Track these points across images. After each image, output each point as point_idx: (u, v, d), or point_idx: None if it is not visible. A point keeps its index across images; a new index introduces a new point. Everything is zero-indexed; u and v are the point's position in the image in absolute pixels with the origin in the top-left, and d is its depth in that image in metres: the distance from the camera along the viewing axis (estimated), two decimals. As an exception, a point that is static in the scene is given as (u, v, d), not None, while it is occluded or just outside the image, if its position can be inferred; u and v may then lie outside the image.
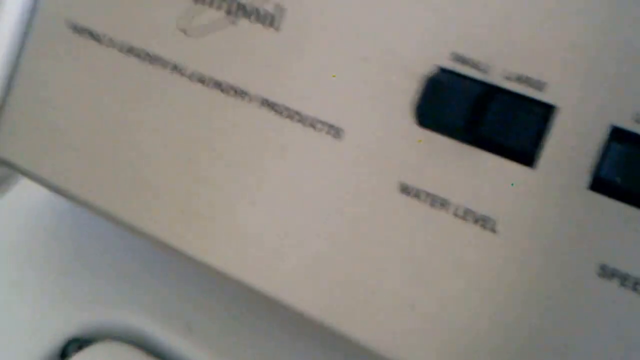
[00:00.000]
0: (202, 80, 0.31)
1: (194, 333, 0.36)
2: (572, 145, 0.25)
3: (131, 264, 0.38)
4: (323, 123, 0.29)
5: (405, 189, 0.28)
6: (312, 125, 0.29)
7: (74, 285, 0.38)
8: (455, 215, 0.27)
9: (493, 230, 0.26)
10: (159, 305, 0.37)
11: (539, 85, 0.26)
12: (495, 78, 0.26)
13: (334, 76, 0.29)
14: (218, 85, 0.31)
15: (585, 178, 0.25)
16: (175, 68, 0.32)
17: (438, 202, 0.27)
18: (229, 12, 0.31)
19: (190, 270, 0.36)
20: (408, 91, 0.28)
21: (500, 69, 0.26)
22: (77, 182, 0.34)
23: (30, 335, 0.37)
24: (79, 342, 0.37)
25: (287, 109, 0.30)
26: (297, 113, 0.30)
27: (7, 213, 0.41)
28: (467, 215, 0.27)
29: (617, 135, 0.25)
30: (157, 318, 0.36)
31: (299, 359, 0.34)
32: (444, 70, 0.27)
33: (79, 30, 0.34)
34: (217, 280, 0.31)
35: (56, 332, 0.37)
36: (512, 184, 0.26)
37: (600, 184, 0.25)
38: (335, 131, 0.29)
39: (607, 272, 0.25)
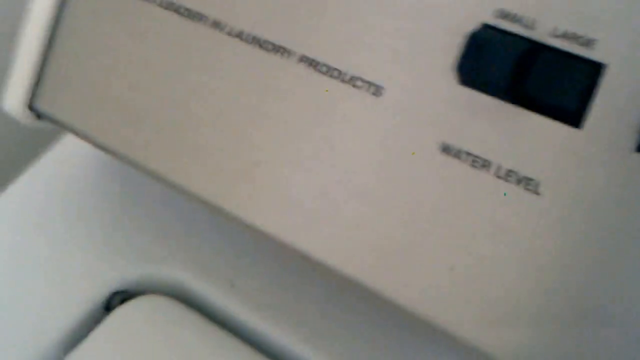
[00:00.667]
0: (241, 36, 0.31)
1: (237, 289, 0.36)
2: (620, 105, 0.24)
3: (176, 220, 0.38)
4: (363, 80, 0.29)
5: (446, 149, 0.27)
6: (352, 83, 0.29)
7: (119, 239, 0.39)
8: (497, 176, 0.26)
9: (536, 192, 0.26)
10: (202, 261, 0.37)
11: (587, 42, 0.25)
12: (542, 35, 0.25)
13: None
14: (258, 42, 0.31)
15: (634, 140, 0.24)
16: (215, 24, 0.32)
17: (480, 163, 0.26)
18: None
19: (234, 228, 0.36)
20: (450, 48, 0.27)
21: (547, 25, 0.25)
22: (121, 140, 0.34)
23: (76, 286, 0.38)
24: (123, 295, 0.37)
25: (327, 65, 0.29)
26: (337, 70, 0.29)
27: (55, 167, 0.42)
28: (510, 176, 0.26)
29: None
30: (200, 273, 0.37)
31: (339, 317, 0.34)
32: (487, 27, 0.26)
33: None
34: (260, 239, 0.31)
35: (101, 284, 0.38)
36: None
37: (647, 145, 0.24)
38: (375, 89, 0.28)
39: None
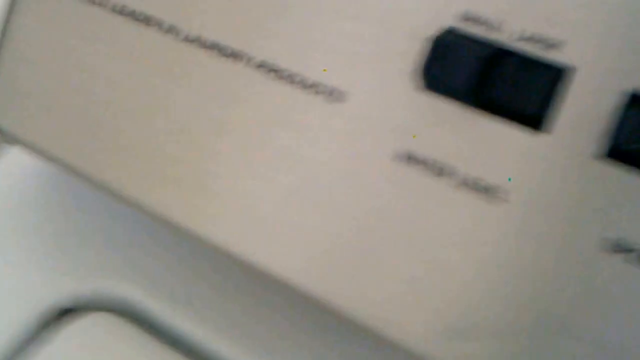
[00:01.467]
0: (201, 43, 0.30)
1: (187, 307, 0.35)
2: (587, 110, 0.24)
3: (124, 234, 0.37)
4: (324, 86, 0.28)
5: (407, 156, 0.26)
6: (314, 88, 0.28)
7: (64, 253, 0.37)
8: (460, 183, 0.25)
9: (500, 200, 0.25)
10: (151, 277, 0.35)
11: (553, 45, 0.24)
12: (508, 37, 0.25)
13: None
14: (216, 47, 0.30)
15: (601, 145, 0.23)
16: (171, 29, 0.31)
17: (444, 170, 0.26)
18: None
19: (185, 241, 0.35)
20: (413, 53, 0.26)
21: (514, 27, 0.25)
22: (71, 151, 0.32)
23: (18, 303, 0.36)
24: (70, 312, 0.36)
25: (288, 72, 0.28)
26: (297, 75, 0.28)
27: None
28: (476, 184, 0.25)
29: (637, 100, 0.23)
30: (148, 289, 0.35)
31: (295, 332, 0.33)
32: (450, 30, 0.25)
33: (72, -12, 0.33)
34: (212, 252, 0.30)
35: (47, 302, 0.36)
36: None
37: (615, 151, 0.23)
38: (338, 94, 0.27)
39: (621, 246, 0.23)
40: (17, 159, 0.40)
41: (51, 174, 0.39)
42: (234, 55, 0.29)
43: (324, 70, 0.28)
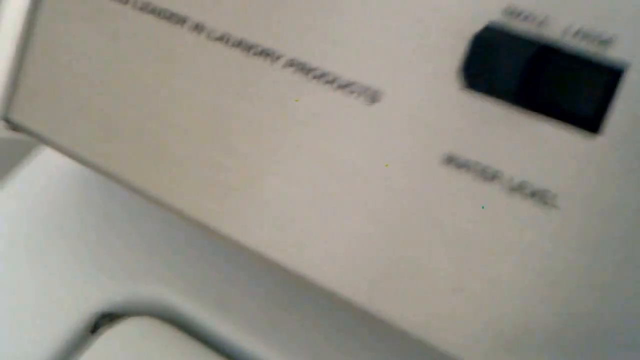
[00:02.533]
0: (223, 39, 0.29)
1: (227, 311, 0.34)
2: (642, 109, 0.22)
3: (162, 237, 0.36)
4: (359, 85, 0.26)
5: (451, 160, 0.25)
6: (348, 88, 0.26)
7: (104, 257, 0.36)
8: (509, 188, 0.24)
9: (551, 205, 0.23)
10: (190, 281, 0.35)
11: (604, 41, 0.22)
12: (554, 34, 0.23)
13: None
14: (240, 44, 0.28)
15: (658, 147, 0.22)
16: (196, 27, 0.29)
17: (489, 174, 0.24)
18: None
19: (223, 246, 0.34)
20: (455, 50, 0.25)
21: (560, 23, 0.23)
22: (99, 152, 0.31)
23: (61, 309, 0.36)
24: (110, 317, 0.35)
25: (318, 69, 0.27)
26: (330, 74, 0.27)
27: (33, 181, 0.40)
28: (522, 188, 0.24)
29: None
30: (188, 293, 0.34)
31: (337, 339, 0.32)
32: (494, 26, 0.24)
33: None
34: (251, 258, 0.29)
35: (87, 306, 0.36)
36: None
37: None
38: (373, 94, 0.26)
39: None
40: (49, 159, 0.39)
41: (83, 175, 0.38)
42: (260, 53, 0.28)
43: (357, 69, 0.26)
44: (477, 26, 0.24)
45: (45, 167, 0.40)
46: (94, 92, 0.32)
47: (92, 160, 0.32)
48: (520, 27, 0.23)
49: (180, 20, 0.30)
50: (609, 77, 0.22)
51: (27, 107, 0.33)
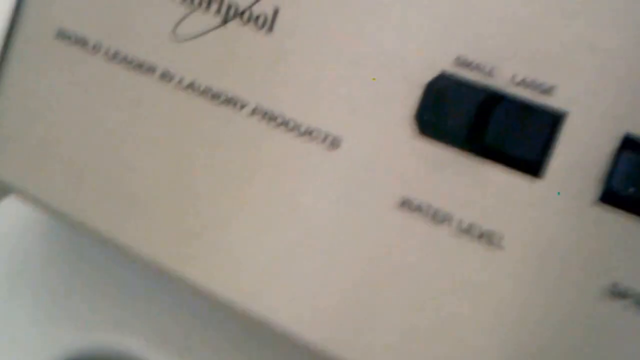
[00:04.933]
0: (192, 87, 0.30)
1: (191, 357, 0.34)
2: (581, 154, 0.24)
3: (128, 286, 0.37)
4: (319, 131, 0.28)
5: (405, 203, 0.26)
6: (308, 134, 0.28)
7: (69, 307, 0.37)
8: (459, 229, 0.25)
9: (498, 246, 0.25)
10: (154, 329, 0.35)
11: (547, 90, 0.24)
12: (501, 82, 0.25)
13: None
14: (208, 92, 0.30)
15: (596, 189, 0.23)
16: (164, 75, 0.31)
17: (440, 216, 0.26)
18: (225, 18, 0.30)
19: (186, 293, 0.34)
20: (409, 98, 0.26)
21: (506, 72, 0.25)
22: (66, 199, 0.32)
23: (24, 357, 0.36)
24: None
25: (282, 117, 0.28)
26: (292, 121, 0.28)
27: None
28: (471, 229, 0.25)
29: (630, 143, 0.23)
30: (152, 341, 0.35)
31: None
32: (446, 76, 0.26)
33: (65, 36, 0.33)
34: (213, 302, 0.29)
35: (51, 354, 0.36)
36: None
37: (611, 195, 0.23)
38: (332, 140, 0.27)
39: (618, 291, 0.23)
40: (11, 207, 0.40)
41: (51, 222, 0.39)
42: (227, 101, 0.29)
43: (317, 116, 0.28)
44: (431, 74, 0.26)
45: (9, 214, 0.40)
46: (62, 139, 0.32)
47: (58, 208, 0.32)
48: (469, 76, 0.25)
49: (149, 69, 0.31)
50: (549, 124, 0.24)
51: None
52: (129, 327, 0.36)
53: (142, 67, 0.31)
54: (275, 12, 0.29)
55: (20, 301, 0.37)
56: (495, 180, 0.25)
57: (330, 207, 0.27)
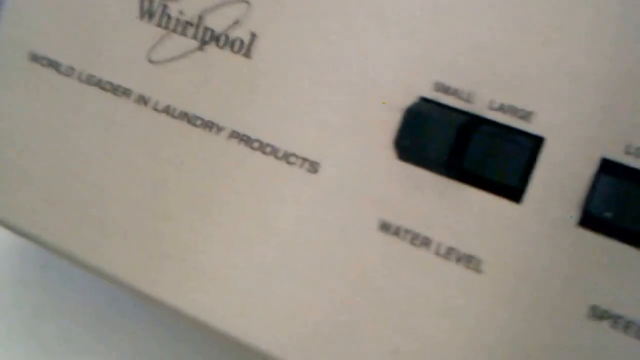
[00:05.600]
0: (168, 111, 0.30)
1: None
2: (560, 178, 0.24)
3: (102, 310, 0.36)
4: (297, 157, 0.28)
5: (384, 227, 0.26)
6: (286, 159, 0.28)
7: (42, 332, 0.36)
8: (438, 254, 0.25)
9: (478, 270, 0.25)
10: (133, 354, 0.35)
11: (525, 115, 0.24)
12: (479, 108, 0.25)
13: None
14: (185, 117, 0.30)
15: (575, 213, 0.24)
16: (140, 99, 0.30)
17: (419, 240, 0.26)
18: (202, 42, 0.29)
19: (166, 316, 0.34)
20: (387, 123, 0.26)
21: (485, 98, 0.25)
22: (37, 223, 0.32)
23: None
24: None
25: (259, 141, 0.28)
26: (270, 146, 0.28)
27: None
28: (450, 253, 0.25)
29: (607, 167, 0.23)
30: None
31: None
32: (424, 101, 0.26)
33: (38, 59, 0.32)
34: (193, 326, 0.29)
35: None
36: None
37: (590, 219, 0.23)
38: (311, 165, 0.27)
39: (598, 313, 0.23)
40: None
41: (22, 247, 0.38)
42: (204, 125, 0.29)
43: (295, 140, 0.28)
44: (410, 99, 0.26)
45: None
46: (35, 162, 0.32)
47: (29, 231, 0.32)
48: (447, 102, 0.25)
49: (124, 92, 0.31)
50: (528, 149, 0.24)
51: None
52: (102, 352, 0.35)
53: (117, 91, 0.31)
54: (252, 37, 0.29)
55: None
56: (474, 204, 0.25)
57: (308, 230, 0.27)
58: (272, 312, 0.27)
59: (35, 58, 0.32)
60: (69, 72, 0.32)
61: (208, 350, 0.34)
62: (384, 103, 0.26)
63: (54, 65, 0.32)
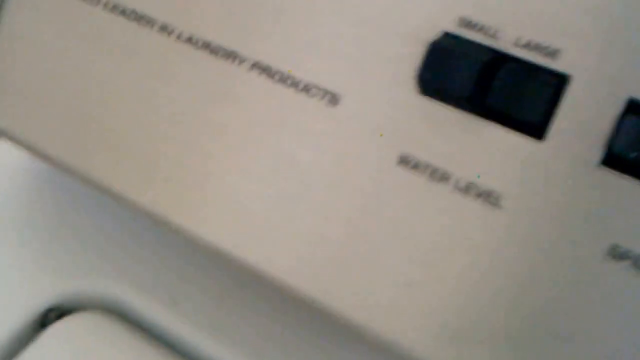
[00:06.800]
0: (190, 40, 0.30)
1: (179, 306, 0.34)
2: (584, 117, 0.24)
3: (115, 232, 0.37)
4: (318, 88, 0.27)
5: (404, 160, 0.26)
6: (307, 90, 0.28)
7: (55, 252, 0.37)
8: (457, 188, 0.25)
9: (497, 206, 0.25)
10: (142, 275, 0.35)
11: (551, 53, 0.24)
12: (505, 44, 0.25)
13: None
14: (207, 47, 0.29)
15: (598, 153, 0.23)
16: (164, 28, 0.30)
17: (438, 175, 0.26)
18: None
19: (177, 241, 0.34)
20: (411, 57, 0.26)
21: (510, 34, 0.25)
22: (64, 148, 0.32)
23: (9, 303, 0.36)
24: (58, 311, 0.35)
25: (280, 72, 0.28)
26: (291, 77, 0.28)
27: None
28: (470, 188, 0.25)
29: (633, 108, 0.23)
30: (140, 289, 0.35)
31: (287, 335, 0.33)
32: (448, 35, 0.25)
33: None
34: (205, 252, 0.29)
35: (36, 300, 0.36)
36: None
37: (613, 159, 0.23)
38: (331, 97, 0.27)
39: (618, 253, 0.23)
40: (4, 152, 0.39)
41: (39, 169, 0.38)
42: (226, 56, 0.29)
43: (317, 72, 0.27)
44: (433, 34, 0.26)
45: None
46: (60, 89, 0.32)
47: (55, 155, 0.32)
48: (472, 37, 0.25)
49: (148, 22, 0.31)
50: (552, 86, 0.24)
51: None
52: (116, 273, 0.36)
53: (141, 20, 0.31)
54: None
55: (3, 245, 0.37)
56: (496, 140, 0.25)
57: (327, 161, 0.27)
58: (290, 241, 0.27)
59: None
60: (94, 0, 0.32)
61: (222, 276, 0.35)
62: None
63: (79, -9, 0.32)
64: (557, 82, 0.24)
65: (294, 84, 0.28)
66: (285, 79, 0.28)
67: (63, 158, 0.32)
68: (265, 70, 0.28)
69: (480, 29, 0.25)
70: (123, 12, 0.31)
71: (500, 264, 0.25)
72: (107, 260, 0.36)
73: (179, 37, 0.30)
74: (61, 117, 0.32)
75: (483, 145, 0.25)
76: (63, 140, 0.32)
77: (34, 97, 0.33)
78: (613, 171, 0.23)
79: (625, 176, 0.23)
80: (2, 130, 0.34)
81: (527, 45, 0.24)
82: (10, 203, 0.39)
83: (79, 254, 0.36)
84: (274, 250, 0.28)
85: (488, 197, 0.25)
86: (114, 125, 0.31)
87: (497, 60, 0.24)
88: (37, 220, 0.38)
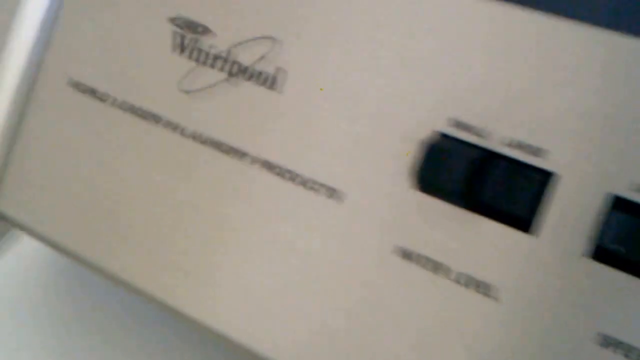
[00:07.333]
0: (201, 140, 0.31)
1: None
2: (572, 213, 0.25)
3: (134, 325, 0.38)
4: (323, 185, 0.29)
5: (405, 254, 0.27)
6: (312, 188, 0.29)
7: (74, 345, 0.38)
8: (456, 281, 0.26)
9: (494, 298, 0.26)
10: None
11: (538, 152, 0.25)
12: (495, 144, 0.26)
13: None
14: (217, 146, 0.31)
15: (587, 246, 0.25)
16: (176, 127, 0.32)
17: (439, 268, 0.27)
18: (230, 74, 0.31)
19: (196, 333, 0.35)
20: (405, 155, 0.27)
21: (500, 135, 0.26)
22: (77, 240, 0.33)
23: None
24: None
25: (287, 170, 0.30)
26: (297, 175, 0.29)
27: (8, 270, 0.41)
28: (468, 281, 0.26)
29: (619, 204, 0.24)
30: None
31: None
32: (443, 136, 0.27)
33: (81, 88, 0.34)
34: (224, 345, 0.31)
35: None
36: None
37: (601, 253, 0.24)
38: (336, 194, 0.29)
39: (608, 343, 0.24)
40: (23, 248, 0.41)
41: (60, 265, 0.40)
42: (233, 152, 0.31)
43: (321, 171, 0.29)
44: (426, 133, 0.27)
45: (18, 257, 0.41)
46: (77, 184, 0.34)
47: (67, 247, 0.34)
48: (464, 137, 0.26)
49: (154, 118, 0.32)
50: (539, 182, 0.25)
51: (10, 196, 0.35)
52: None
53: (148, 117, 0.32)
54: (278, 71, 0.30)
55: (26, 341, 0.38)
56: (490, 234, 0.26)
57: (330, 252, 0.28)
58: (288, 326, 0.29)
59: (78, 87, 0.34)
60: (104, 97, 0.34)
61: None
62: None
63: (91, 91, 0.34)
64: (545, 179, 0.25)
65: (294, 179, 0.29)
66: (290, 176, 0.29)
67: (76, 250, 0.33)
68: (273, 168, 0.30)
69: (471, 129, 0.26)
70: (131, 109, 0.33)
71: (497, 354, 0.26)
72: (126, 353, 0.37)
73: (183, 133, 0.32)
74: (79, 212, 0.33)
75: (478, 239, 0.26)
76: (77, 232, 0.33)
77: (54, 195, 0.34)
78: (602, 264, 0.24)
79: (613, 269, 0.24)
80: (25, 226, 0.35)
81: (516, 145, 0.26)
82: (29, 296, 0.40)
83: (98, 346, 0.37)
84: (273, 337, 0.29)
85: (485, 289, 0.26)
86: (127, 219, 0.32)
87: (488, 159, 0.26)
88: (54, 312, 0.39)
